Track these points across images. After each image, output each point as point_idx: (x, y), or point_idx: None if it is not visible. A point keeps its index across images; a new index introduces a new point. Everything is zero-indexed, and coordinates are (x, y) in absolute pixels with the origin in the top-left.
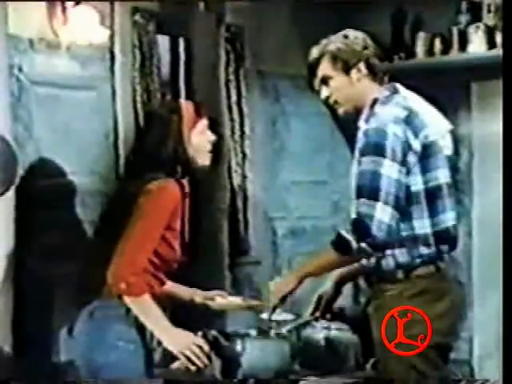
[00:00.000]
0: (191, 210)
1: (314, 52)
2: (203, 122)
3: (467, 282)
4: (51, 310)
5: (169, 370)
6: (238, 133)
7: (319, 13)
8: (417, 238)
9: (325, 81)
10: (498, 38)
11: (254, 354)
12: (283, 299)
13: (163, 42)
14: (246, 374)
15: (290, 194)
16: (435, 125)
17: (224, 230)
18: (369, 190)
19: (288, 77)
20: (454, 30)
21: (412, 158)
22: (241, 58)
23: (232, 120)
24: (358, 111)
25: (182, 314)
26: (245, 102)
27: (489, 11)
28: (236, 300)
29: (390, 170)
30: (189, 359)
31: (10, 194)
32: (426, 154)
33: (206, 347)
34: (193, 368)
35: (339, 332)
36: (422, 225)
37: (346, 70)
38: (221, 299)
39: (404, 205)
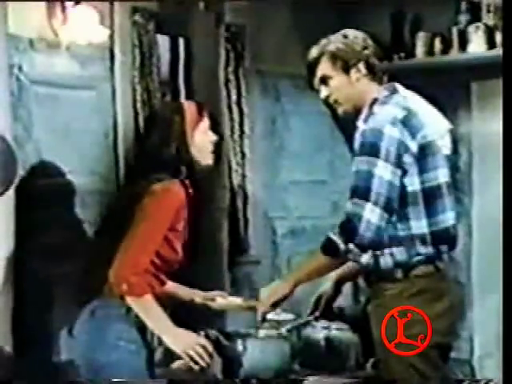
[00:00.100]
0: (193, 210)
1: (314, 52)
2: (205, 122)
3: (467, 281)
4: (51, 310)
5: (169, 370)
6: (237, 132)
7: (319, 13)
8: (415, 237)
9: (324, 80)
10: (498, 37)
11: (254, 353)
12: (273, 306)
13: (163, 41)
14: (246, 373)
15: (290, 194)
16: (434, 125)
17: (224, 230)
18: (360, 189)
19: (288, 76)
20: (454, 30)
21: (408, 159)
22: (241, 57)
23: (232, 119)
24: (357, 111)
25: (181, 314)
26: (244, 101)
27: (488, 11)
28: (236, 300)
29: (382, 171)
30: (192, 359)
31: (10, 193)
32: (424, 154)
33: (210, 347)
34: (196, 367)
35: (339, 332)
36: (419, 225)
37: (346, 69)
38: (221, 299)
39: (397, 206)
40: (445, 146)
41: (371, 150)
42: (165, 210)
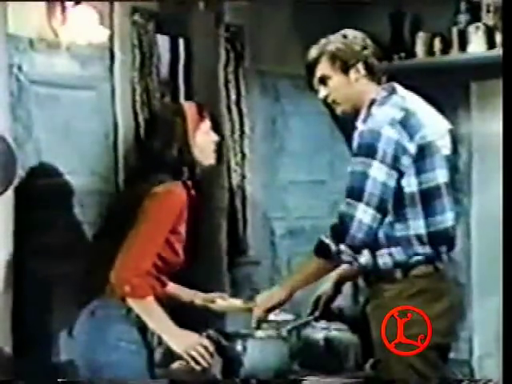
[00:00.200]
0: (193, 211)
1: (313, 52)
2: (206, 123)
3: (466, 281)
4: (51, 311)
5: (168, 370)
6: (237, 132)
7: (319, 12)
8: (413, 238)
9: (323, 80)
10: (498, 37)
11: (254, 354)
12: (268, 312)
13: (163, 41)
14: (246, 373)
15: (289, 194)
16: (433, 125)
17: (223, 230)
18: (354, 190)
19: (287, 76)
20: (454, 30)
21: (406, 161)
22: (240, 57)
23: (231, 119)
24: (356, 111)
25: (181, 315)
26: (244, 101)
27: (488, 11)
28: (236, 302)
29: (377, 172)
30: (194, 359)
31: (10, 193)
32: (423, 155)
33: (211, 347)
34: (198, 368)
35: (339, 332)
36: (417, 225)
37: (345, 69)
38: (221, 301)
39: (391, 207)
40: (444, 146)
41: (368, 150)
42: (167, 212)
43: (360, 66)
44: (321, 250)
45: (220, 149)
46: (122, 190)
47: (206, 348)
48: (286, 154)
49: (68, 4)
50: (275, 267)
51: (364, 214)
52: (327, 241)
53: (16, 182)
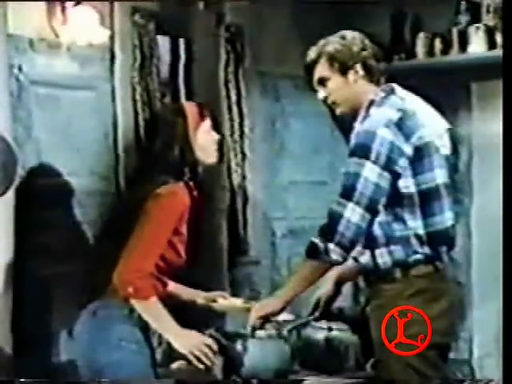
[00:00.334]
0: (194, 212)
1: (311, 53)
2: (207, 122)
3: (467, 281)
4: (51, 310)
5: (169, 370)
6: (237, 133)
7: (319, 13)
8: (411, 238)
9: (322, 82)
10: (498, 38)
11: (254, 353)
12: (263, 319)
13: (163, 41)
14: (246, 373)
15: (290, 194)
16: (432, 125)
17: (223, 230)
18: (345, 190)
19: (288, 77)
20: (454, 31)
21: (402, 162)
22: (240, 58)
23: (231, 120)
24: (355, 112)
25: (182, 314)
26: (244, 101)
27: (488, 11)
28: (237, 301)
29: (369, 173)
30: (198, 359)
31: (10, 194)
32: (420, 155)
33: (215, 346)
34: (201, 367)
35: (339, 332)
36: (416, 226)
37: (343, 71)
38: (222, 300)
39: (384, 207)
40: (443, 146)
41: (362, 151)
42: (170, 213)
43: (358, 67)
44: (311, 250)
45: (221, 147)
46: (124, 191)
47: (209, 347)
48: (287, 154)
49: (68, 4)
50: (275, 267)
51: (352, 213)
52: (316, 240)
53: (16, 182)
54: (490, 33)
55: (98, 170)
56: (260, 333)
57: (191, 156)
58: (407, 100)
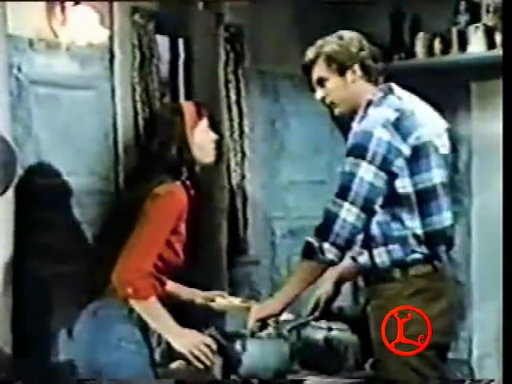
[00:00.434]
0: (193, 211)
1: (309, 53)
2: (205, 121)
3: (466, 281)
4: (51, 310)
5: (168, 370)
6: (237, 132)
7: (319, 13)
8: (409, 238)
9: (320, 82)
10: (498, 38)
11: (254, 353)
12: (260, 322)
13: (163, 41)
14: (246, 373)
15: (289, 194)
16: (430, 125)
17: (223, 230)
18: (341, 190)
19: (287, 76)
20: (454, 30)
21: (399, 162)
22: (240, 57)
23: (231, 119)
24: (353, 112)
25: (180, 314)
26: (244, 101)
27: (488, 11)
28: (235, 301)
29: (365, 173)
30: (198, 359)
31: (10, 193)
32: (418, 155)
33: (214, 346)
34: (201, 367)
35: (339, 332)
36: (413, 225)
37: (341, 71)
38: (221, 299)
39: (379, 207)
40: (442, 145)
41: (358, 151)
42: (168, 213)
43: (356, 67)
44: (307, 250)
45: (219, 147)
46: (122, 190)
47: (209, 347)
48: (286, 154)
49: (68, 4)
50: (275, 267)
51: (348, 213)
52: (311, 239)
53: (16, 181)
54: (489, 33)
55: (98, 169)
56: (259, 333)
57: (188, 155)
58: (405, 100)
